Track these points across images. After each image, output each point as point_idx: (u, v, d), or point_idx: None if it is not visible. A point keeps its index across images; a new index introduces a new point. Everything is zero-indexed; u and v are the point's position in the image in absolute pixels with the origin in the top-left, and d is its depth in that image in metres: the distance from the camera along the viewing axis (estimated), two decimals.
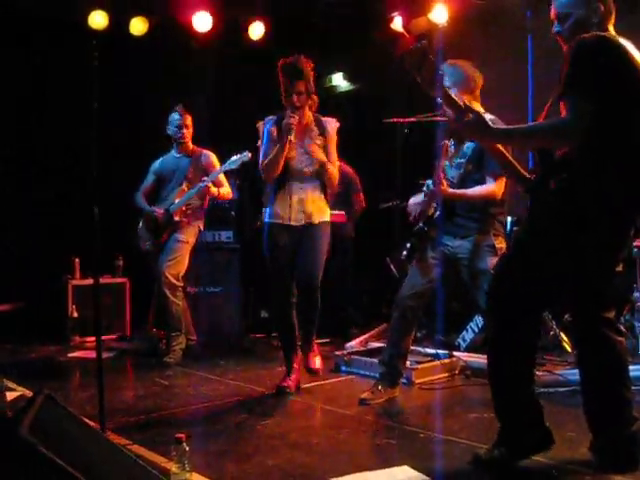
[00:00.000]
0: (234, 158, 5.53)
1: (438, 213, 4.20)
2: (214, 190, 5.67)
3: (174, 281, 5.61)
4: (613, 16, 3.00)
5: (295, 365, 4.63)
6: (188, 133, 5.84)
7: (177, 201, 5.69)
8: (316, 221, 4.56)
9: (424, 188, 4.21)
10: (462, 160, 4.15)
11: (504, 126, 3.21)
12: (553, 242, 2.88)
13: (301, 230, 4.54)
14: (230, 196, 5.97)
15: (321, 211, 4.62)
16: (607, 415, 2.97)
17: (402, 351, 4.32)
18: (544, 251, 2.90)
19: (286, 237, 4.54)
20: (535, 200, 3.02)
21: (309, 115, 4.66)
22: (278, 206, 4.56)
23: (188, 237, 5.76)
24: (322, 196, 4.65)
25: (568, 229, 2.84)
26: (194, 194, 5.69)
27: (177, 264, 5.66)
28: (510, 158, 3.12)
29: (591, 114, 2.68)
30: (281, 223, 4.53)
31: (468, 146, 4.11)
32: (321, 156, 4.56)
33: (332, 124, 4.71)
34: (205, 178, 5.61)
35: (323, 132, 4.64)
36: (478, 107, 4.15)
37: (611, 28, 2.97)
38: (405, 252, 4.38)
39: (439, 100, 2.95)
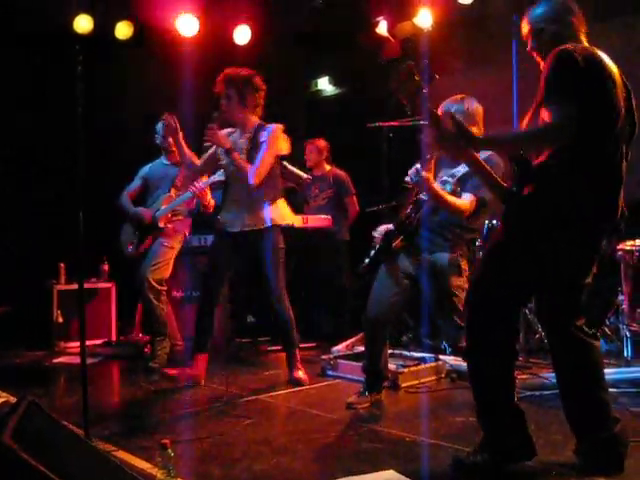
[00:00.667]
0: (222, 170, 5.51)
1: (422, 212, 4.16)
2: (209, 198, 5.66)
3: (157, 286, 5.58)
4: (585, 28, 3.05)
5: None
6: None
7: (164, 207, 5.67)
8: (255, 227, 4.70)
9: (408, 178, 4.04)
10: (450, 179, 4.15)
11: (485, 135, 3.20)
12: (522, 247, 2.91)
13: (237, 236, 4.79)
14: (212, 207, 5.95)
15: (257, 217, 4.79)
16: (587, 418, 2.99)
17: (381, 358, 4.31)
18: (514, 256, 2.94)
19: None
20: (508, 207, 3.04)
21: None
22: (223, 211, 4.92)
23: (173, 243, 5.75)
24: (262, 200, 4.77)
25: (537, 235, 2.88)
26: (181, 202, 5.67)
27: (161, 269, 5.63)
28: (489, 170, 3.11)
29: (576, 119, 2.70)
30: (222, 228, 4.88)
31: (459, 170, 4.09)
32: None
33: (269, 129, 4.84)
34: (193, 187, 5.57)
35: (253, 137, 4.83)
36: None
37: (584, 39, 3.02)
38: (367, 260, 4.26)
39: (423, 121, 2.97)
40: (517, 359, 3.17)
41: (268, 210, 4.82)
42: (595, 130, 2.81)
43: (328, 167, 7.17)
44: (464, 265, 4.17)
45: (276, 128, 4.86)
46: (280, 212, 4.93)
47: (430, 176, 3.96)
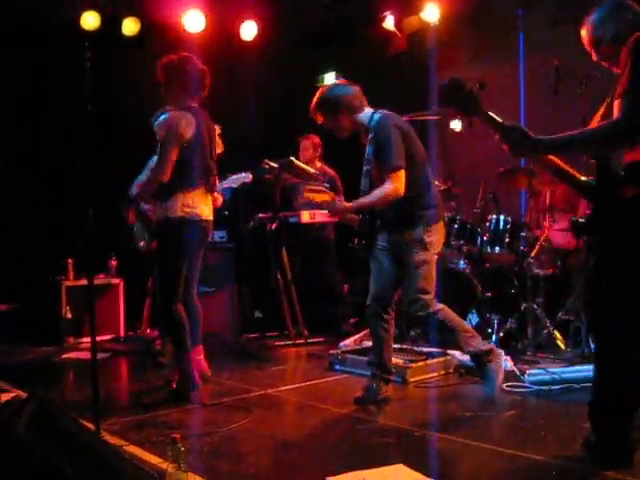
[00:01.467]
0: (234, 177, 5.50)
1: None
2: (220, 201, 5.65)
3: None
4: None
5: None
6: None
7: None
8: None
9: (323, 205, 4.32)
10: (368, 167, 4.19)
11: (547, 137, 3.08)
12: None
13: None
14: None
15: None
16: (617, 418, 2.91)
17: (387, 350, 4.33)
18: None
19: None
20: (606, 211, 2.86)
21: None
22: None
23: None
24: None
25: None
26: None
27: None
28: (565, 167, 2.98)
29: None
30: None
31: (368, 152, 4.16)
32: None
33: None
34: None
35: None
36: None
37: None
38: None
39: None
40: None
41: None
42: None
43: (319, 164, 7.15)
44: (428, 237, 4.13)
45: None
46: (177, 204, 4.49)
47: (339, 206, 4.23)
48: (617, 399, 2.89)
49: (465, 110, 2.82)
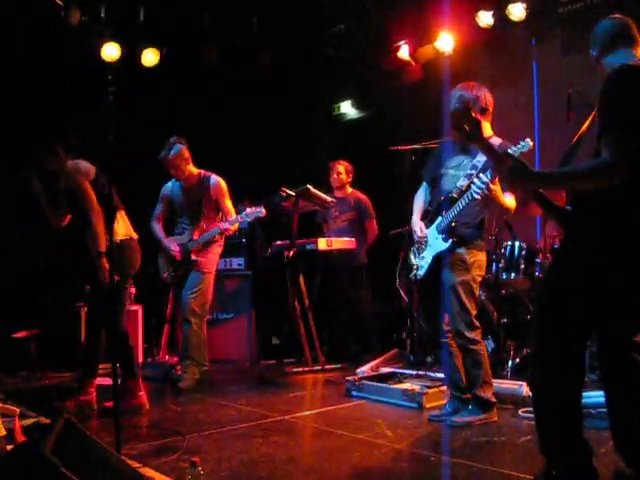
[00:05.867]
0: (249, 211, 5.61)
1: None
2: (233, 229, 5.77)
3: (199, 311, 5.67)
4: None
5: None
6: (184, 167, 5.78)
7: (195, 239, 5.75)
8: None
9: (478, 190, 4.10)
10: (472, 171, 4.24)
11: (542, 170, 3.10)
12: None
13: None
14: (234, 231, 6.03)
15: None
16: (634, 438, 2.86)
17: (456, 371, 4.44)
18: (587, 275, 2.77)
19: None
20: (571, 230, 2.93)
21: None
22: None
23: (209, 267, 5.80)
24: None
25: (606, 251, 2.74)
26: (213, 234, 5.75)
27: (201, 295, 5.70)
28: (546, 195, 2.98)
29: (635, 146, 2.58)
30: None
31: (479, 160, 4.21)
32: None
33: None
34: (224, 224, 5.68)
35: None
36: (487, 127, 4.25)
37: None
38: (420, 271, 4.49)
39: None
40: None
41: None
42: None
43: (350, 189, 7.25)
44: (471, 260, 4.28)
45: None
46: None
47: (498, 188, 4.07)
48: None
49: (468, 136, 2.92)
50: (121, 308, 4.82)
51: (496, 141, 4.16)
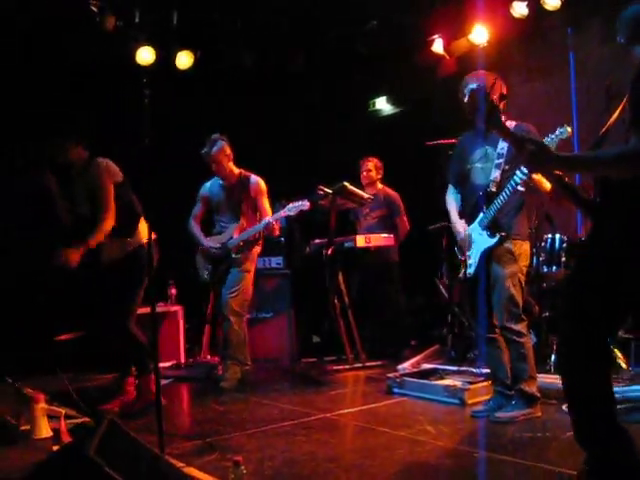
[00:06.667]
0: (292, 205, 5.60)
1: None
2: (277, 229, 5.79)
3: (240, 310, 5.68)
4: None
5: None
6: (226, 164, 5.81)
7: (235, 237, 5.75)
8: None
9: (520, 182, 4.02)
10: (500, 160, 4.20)
11: (565, 154, 3.07)
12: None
13: None
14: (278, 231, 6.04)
15: None
16: None
17: (502, 366, 4.43)
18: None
19: None
20: (598, 222, 2.85)
21: None
22: None
23: (249, 266, 5.80)
24: None
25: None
26: (254, 232, 5.75)
27: (240, 294, 5.70)
28: (571, 183, 2.97)
29: None
30: None
31: (502, 147, 4.17)
32: None
33: None
34: (267, 219, 5.66)
35: None
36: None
37: None
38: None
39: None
40: None
41: None
42: None
43: (380, 186, 7.21)
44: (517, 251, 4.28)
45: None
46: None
47: (541, 177, 3.98)
48: None
49: (487, 121, 2.87)
50: (133, 308, 4.94)
51: (511, 124, 4.12)
